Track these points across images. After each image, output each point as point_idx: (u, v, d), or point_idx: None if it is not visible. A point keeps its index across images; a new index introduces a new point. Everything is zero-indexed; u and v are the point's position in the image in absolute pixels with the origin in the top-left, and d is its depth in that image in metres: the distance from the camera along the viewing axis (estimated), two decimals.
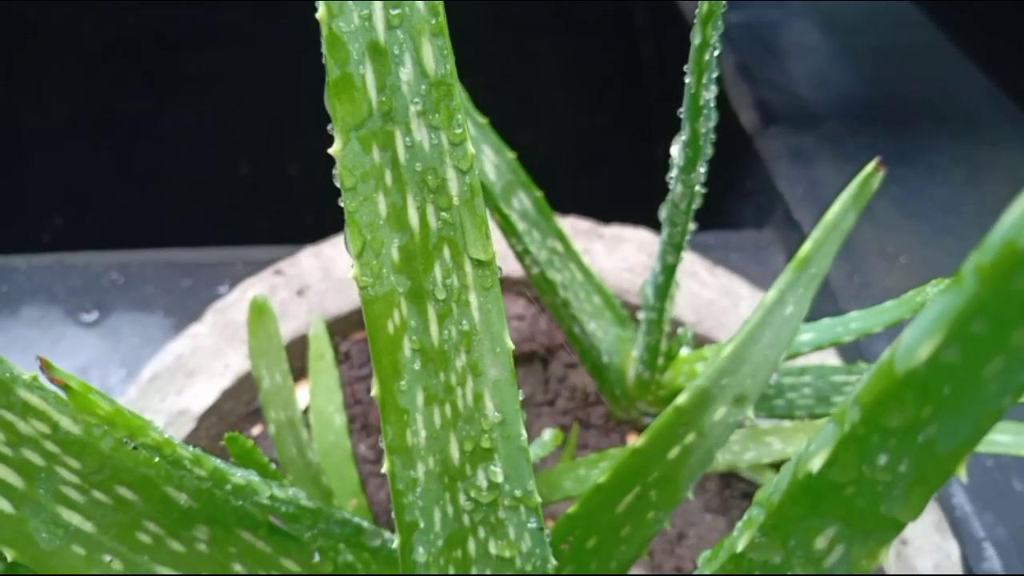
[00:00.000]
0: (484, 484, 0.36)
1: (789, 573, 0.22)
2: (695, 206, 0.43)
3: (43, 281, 0.95)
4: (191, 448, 0.33)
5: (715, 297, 0.68)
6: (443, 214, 0.31)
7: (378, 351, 0.32)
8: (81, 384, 0.28)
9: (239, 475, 0.35)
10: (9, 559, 0.32)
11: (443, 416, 0.34)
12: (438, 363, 0.33)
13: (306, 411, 0.63)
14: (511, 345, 0.33)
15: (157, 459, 0.32)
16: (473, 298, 0.33)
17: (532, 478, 0.36)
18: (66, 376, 0.27)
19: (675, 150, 0.40)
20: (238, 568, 0.39)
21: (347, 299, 0.68)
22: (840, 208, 0.43)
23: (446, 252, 0.32)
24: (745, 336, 0.44)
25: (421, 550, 0.36)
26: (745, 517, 0.22)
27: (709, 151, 0.40)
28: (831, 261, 0.43)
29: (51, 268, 0.96)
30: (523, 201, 0.54)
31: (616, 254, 0.70)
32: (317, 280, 0.68)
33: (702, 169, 0.41)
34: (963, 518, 0.70)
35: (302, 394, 0.65)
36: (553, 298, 0.57)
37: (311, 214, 0.80)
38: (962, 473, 0.22)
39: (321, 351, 0.61)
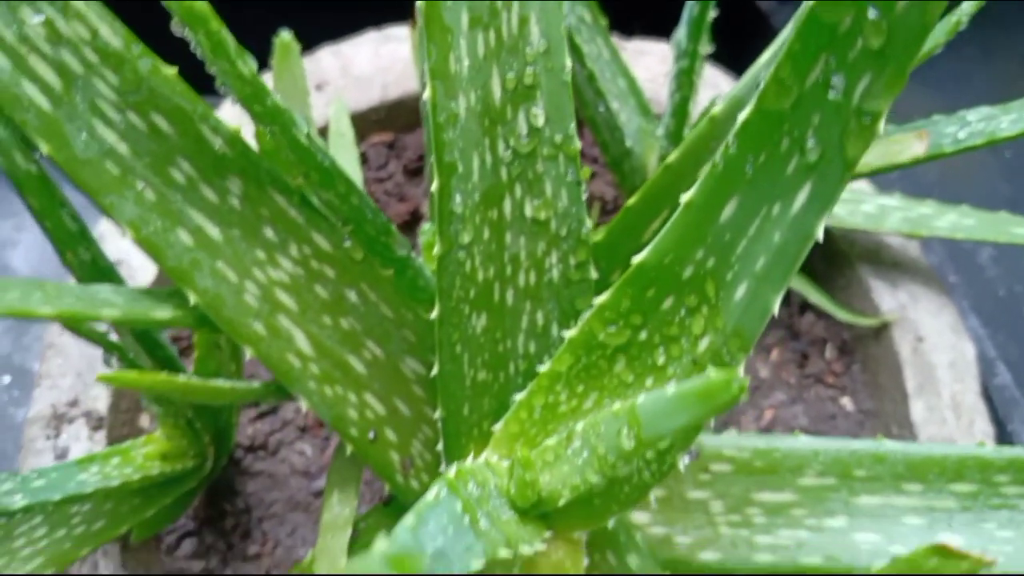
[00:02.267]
0: (524, 130, 0.36)
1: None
2: None
3: None
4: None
5: None
6: None
7: None
8: None
9: (279, 97, 0.34)
10: (45, 152, 0.32)
11: (487, 44, 0.34)
12: None
13: None
14: None
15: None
16: None
17: (573, 120, 0.35)
18: None
19: None
20: (269, 233, 0.39)
21: (365, 96, 0.67)
22: None
23: None
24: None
25: (458, 199, 0.36)
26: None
27: None
28: None
29: None
30: None
31: (638, 66, 0.70)
32: (336, 76, 0.68)
33: None
34: (977, 339, 0.70)
35: None
36: (578, 70, 0.57)
37: None
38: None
39: (342, 130, 0.61)
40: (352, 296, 0.42)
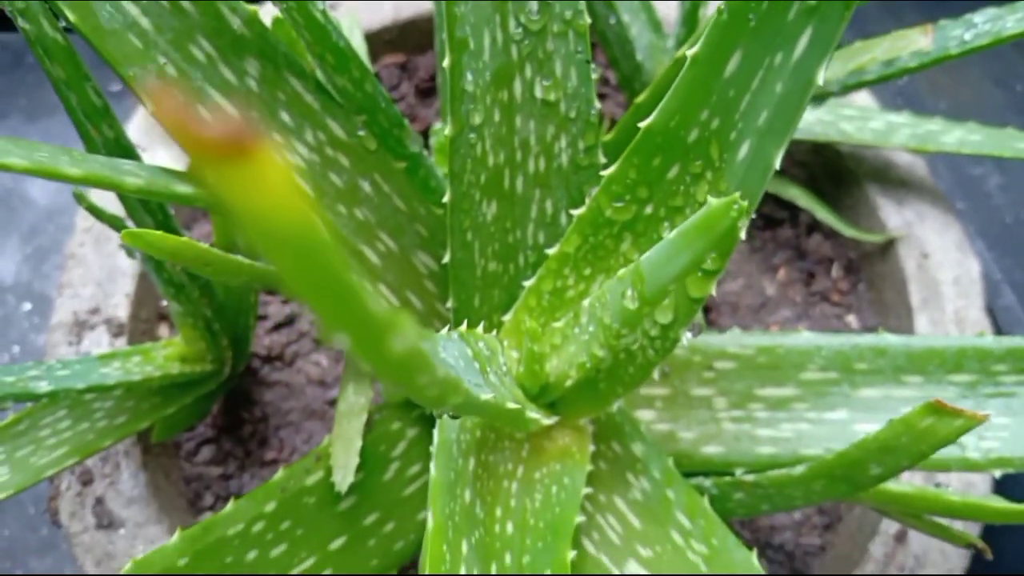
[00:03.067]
0: (535, 5, 0.36)
1: None
2: None
3: None
4: None
5: None
6: None
7: None
8: None
9: None
10: (71, 20, 0.33)
11: None
12: None
13: None
14: None
15: None
16: None
17: None
18: None
19: None
20: (285, 117, 0.40)
21: (378, 15, 0.68)
22: None
23: None
24: None
25: (470, 77, 0.37)
26: None
27: None
28: None
29: None
30: None
31: None
32: None
33: None
34: (983, 263, 0.71)
35: None
36: None
37: None
38: None
39: (355, 43, 0.61)
40: (366, 186, 0.43)
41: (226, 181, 0.09)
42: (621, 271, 0.33)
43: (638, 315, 0.33)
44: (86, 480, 0.57)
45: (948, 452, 0.43)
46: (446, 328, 0.43)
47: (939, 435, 0.33)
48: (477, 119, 0.38)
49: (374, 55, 0.69)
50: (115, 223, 0.43)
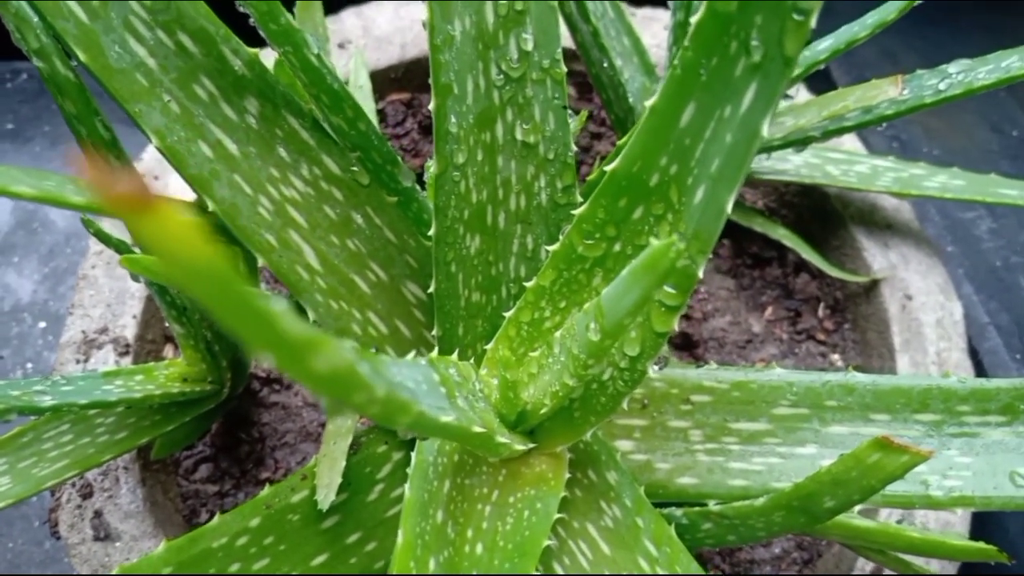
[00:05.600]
0: (515, 54, 0.39)
1: None
2: None
3: None
4: None
5: None
6: None
7: None
8: None
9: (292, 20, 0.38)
10: (82, 59, 0.35)
11: None
12: None
13: None
14: None
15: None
16: None
17: (559, 45, 0.38)
18: None
19: None
20: (283, 152, 0.42)
21: (385, 54, 0.71)
22: None
23: None
24: None
25: (453, 120, 0.39)
26: None
27: None
28: None
29: None
30: None
31: (646, 32, 0.72)
32: (357, 36, 0.71)
33: None
34: (971, 306, 0.72)
35: None
36: (583, 27, 0.60)
37: None
38: None
39: (360, 83, 0.64)
40: (358, 219, 0.45)
41: (139, 228, 0.11)
42: (587, 305, 0.35)
43: (601, 346, 0.35)
44: (86, 493, 0.59)
45: (913, 490, 0.45)
46: (430, 355, 0.45)
47: (887, 470, 0.34)
48: (461, 158, 0.40)
49: (381, 92, 0.72)
50: (120, 247, 0.45)
